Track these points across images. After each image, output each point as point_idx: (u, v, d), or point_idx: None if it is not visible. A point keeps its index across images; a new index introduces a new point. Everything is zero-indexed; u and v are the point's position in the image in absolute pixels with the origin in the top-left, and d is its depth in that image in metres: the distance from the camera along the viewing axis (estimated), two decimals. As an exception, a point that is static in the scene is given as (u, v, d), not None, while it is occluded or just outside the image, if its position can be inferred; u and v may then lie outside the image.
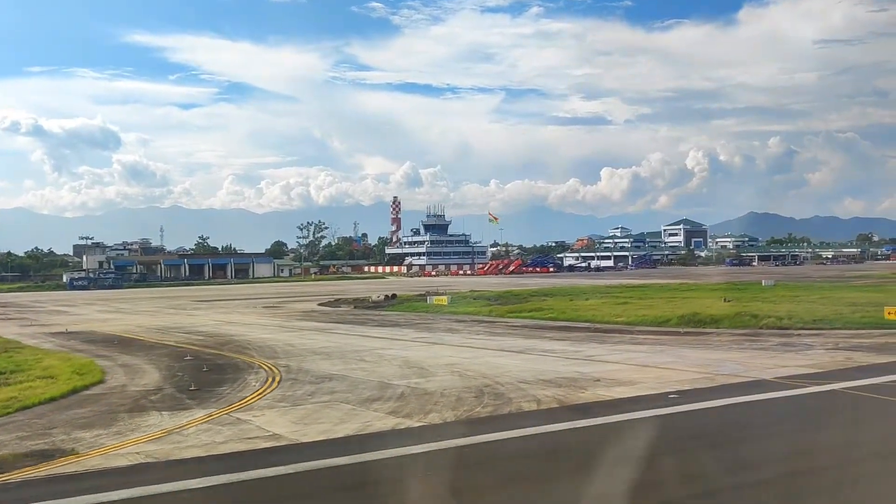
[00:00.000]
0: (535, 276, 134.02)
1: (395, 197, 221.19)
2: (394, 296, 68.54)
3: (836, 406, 17.28)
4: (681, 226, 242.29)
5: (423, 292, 70.15)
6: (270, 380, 23.18)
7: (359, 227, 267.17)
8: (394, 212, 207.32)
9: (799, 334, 33.06)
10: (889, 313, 37.54)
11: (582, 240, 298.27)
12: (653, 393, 19.28)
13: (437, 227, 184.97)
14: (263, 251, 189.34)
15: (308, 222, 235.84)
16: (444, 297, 57.52)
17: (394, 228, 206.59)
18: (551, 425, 15.46)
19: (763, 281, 76.81)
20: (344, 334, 38.22)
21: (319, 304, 64.61)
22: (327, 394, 20.42)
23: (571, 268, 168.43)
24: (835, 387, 19.34)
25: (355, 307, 60.23)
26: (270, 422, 16.79)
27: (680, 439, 13.74)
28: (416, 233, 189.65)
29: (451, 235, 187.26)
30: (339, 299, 68.98)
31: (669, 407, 17.32)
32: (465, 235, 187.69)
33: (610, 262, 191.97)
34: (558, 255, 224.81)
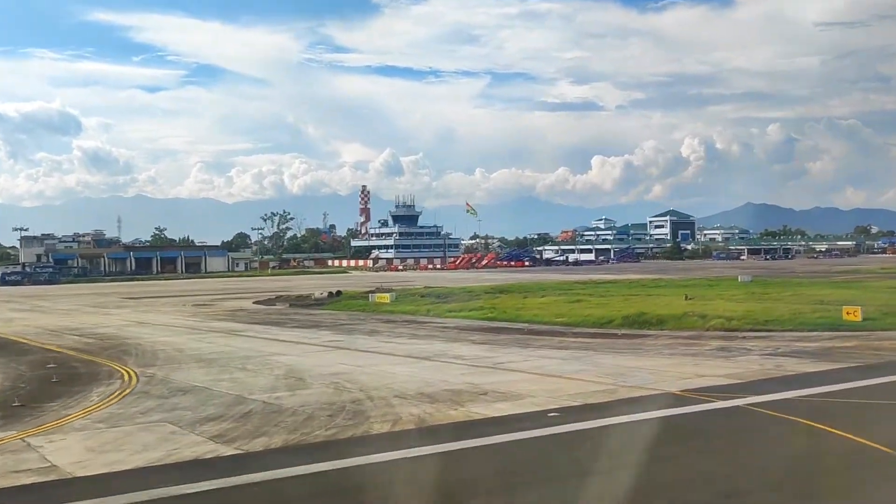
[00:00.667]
0: (507, 271, 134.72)
1: (363, 186, 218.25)
2: (338, 293, 67.32)
3: (722, 427, 15.87)
4: (667, 217, 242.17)
5: (374, 288, 68.82)
6: (119, 393, 21.55)
7: (328, 218, 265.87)
8: (363, 201, 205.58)
9: (744, 337, 31.98)
10: (848, 313, 36.54)
11: (567, 232, 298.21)
12: (534, 410, 17.90)
13: (406, 217, 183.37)
14: (220, 244, 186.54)
15: (272, 213, 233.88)
16: (387, 295, 56.79)
17: (362, 219, 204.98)
18: (381, 454, 13.92)
19: (739, 277, 76.47)
20: (251, 337, 36.86)
21: (255, 303, 63.33)
22: (165, 411, 18.81)
23: (549, 262, 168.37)
24: (741, 402, 17.97)
25: (291, 305, 59.24)
26: (62, 449, 15.11)
27: (499, 474, 12.21)
28: (384, 224, 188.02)
29: (421, 227, 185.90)
30: (281, 296, 67.94)
31: (538, 429, 15.89)
32: (437, 227, 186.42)
33: (591, 256, 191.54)
34: (538, 249, 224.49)
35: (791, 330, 33.78)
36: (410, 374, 24.14)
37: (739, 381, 21.26)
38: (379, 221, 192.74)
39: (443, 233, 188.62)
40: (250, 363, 27.57)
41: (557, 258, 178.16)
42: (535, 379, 22.55)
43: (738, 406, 17.71)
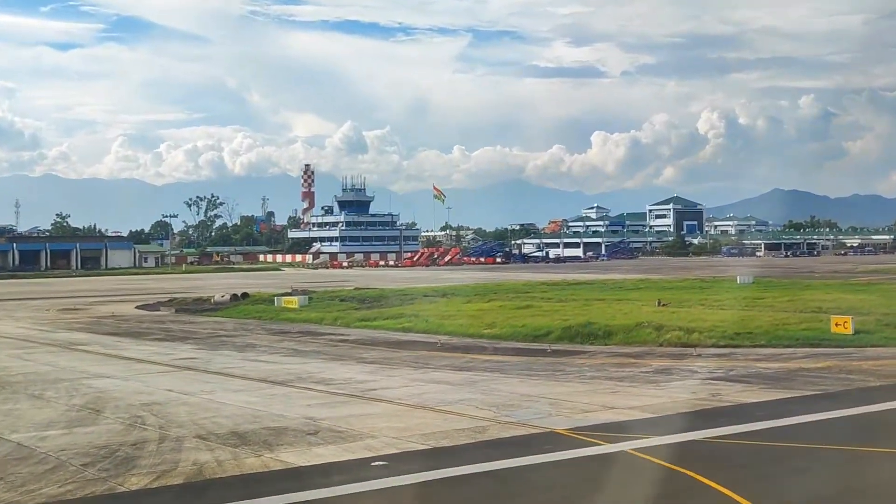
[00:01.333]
0: (472, 269, 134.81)
1: (306, 165, 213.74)
2: (244, 295, 65.92)
3: (568, 484, 14.31)
4: (670, 205, 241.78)
5: (290, 290, 67.64)
6: None
7: (268, 204, 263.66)
8: (305, 184, 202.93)
9: (699, 355, 30.84)
10: (837, 324, 35.61)
11: (555, 222, 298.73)
12: (359, 458, 16.37)
13: (355, 204, 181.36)
14: (127, 234, 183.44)
15: (197, 197, 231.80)
16: (295, 299, 56.08)
17: (305, 205, 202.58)
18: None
19: (738, 278, 76.35)
20: (89, 352, 35.37)
21: (137, 307, 61.92)
22: None
23: (526, 258, 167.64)
24: (629, 445, 16.41)
25: (178, 311, 58.07)
26: None
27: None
28: (328, 211, 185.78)
29: (373, 215, 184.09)
30: (176, 299, 66.78)
31: (338, 486, 14.26)
32: (392, 216, 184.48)
33: (578, 251, 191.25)
34: (517, 242, 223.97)
35: (761, 346, 32.90)
36: (243, 404, 22.53)
37: (650, 416, 19.82)
38: (322, 208, 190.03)
39: (400, 223, 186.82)
40: (55, 388, 25.81)
41: (536, 254, 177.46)
42: (398, 412, 21.03)
43: (621, 451, 16.15)
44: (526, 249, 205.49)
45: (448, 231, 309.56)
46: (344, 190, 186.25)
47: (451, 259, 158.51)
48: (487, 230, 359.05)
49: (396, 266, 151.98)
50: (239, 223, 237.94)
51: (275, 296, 59.39)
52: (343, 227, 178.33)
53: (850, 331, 34.89)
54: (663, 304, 50.68)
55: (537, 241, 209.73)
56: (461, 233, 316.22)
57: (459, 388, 24.63)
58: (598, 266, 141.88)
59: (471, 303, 55.09)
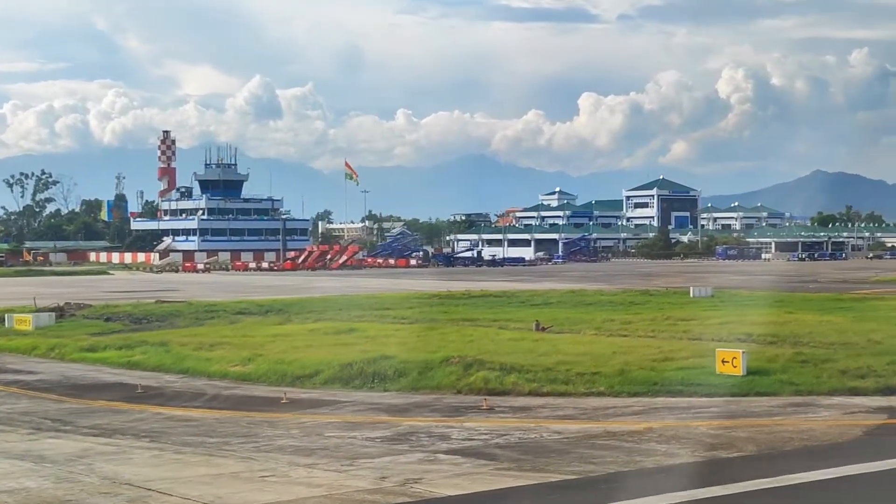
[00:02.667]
0: (367, 274, 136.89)
1: (165, 132, 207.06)
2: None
3: None
4: (653, 191, 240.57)
5: (56, 305, 64.55)
6: None
7: (125, 183, 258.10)
8: (163, 157, 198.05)
9: (491, 408, 28.58)
10: (724, 361, 33.51)
11: (513, 211, 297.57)
12: None
13: (220, 184, 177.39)
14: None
15: (21, 174, 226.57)
16: (29, 318, 53.14)
17: (163, 186, 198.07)
18: None
19: (692, 290, 76.24)
20: None
21: None
22: None
23: (451, 259, 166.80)
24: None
25: None
26: None
27: None
28: (186, 194, 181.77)
29: (246, 200, 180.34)
30: None
31: None
32: (273, 201, 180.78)
33: (528, 250, 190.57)
34: (451, 238, 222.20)
35: (596, 394, 31.35)
36: None
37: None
38: (179, 190, 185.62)
39: (284, 211, 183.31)
40: None
41: (465, 254, 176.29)
42: None
43: None
44: (463, 247, 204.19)
45: (366, 223, 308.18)
46: (206, 165, 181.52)
47: (346, 260, 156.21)
48: (423, 220, 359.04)
49: (272, 269, 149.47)
50: (78, 210, 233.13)
51: (6, 313, 56.36)
52: (203, 216, 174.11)
53: (740, 370, 32.60)
54: (542, 328, 49.41)
55: (475, 237, 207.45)
56: (384, 225, 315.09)
57: (26, 470, 21.29)
58: (540, 271, 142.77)
59: (284, 325, 54.17)
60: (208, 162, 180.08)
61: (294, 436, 25.19)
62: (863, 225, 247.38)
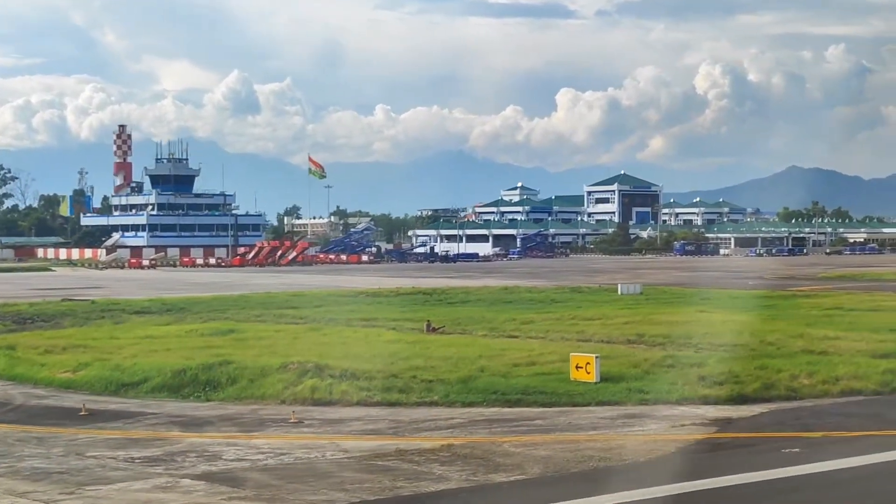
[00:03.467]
0: (315, 270, 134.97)
1: (121, 126, 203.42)
2: None
3: None
4: (615, 186, 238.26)
5: None
6: None
7: (88, 179, 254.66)
8: (119, 151, 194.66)
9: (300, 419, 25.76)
10: (577, 367, 31.46)
11: (477, 207, 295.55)
12: None
13: (171, 179, 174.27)
14: None
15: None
16: None
17: (119, 181, 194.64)
18: None
19: (621, 287, 74.67)
20: None
21: None
22: None
23: (405, 255, 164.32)
24: None
25: None
26: None
27: None
28: (136, 189, 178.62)
29: (198, 195, 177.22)
30: None
31: None
32: (226, 196, 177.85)
33: (486, 246, 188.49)
34: (412, 234, 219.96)
35: (428, 403, 29.53)
36: None
37: None
38: (131, 185, 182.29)
39: (237, 207, 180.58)
40: None
41: (418, 250, 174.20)
42: None
43: None
44: (420, 242, 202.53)
45: (331, 219, 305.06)
46: (157, 160, 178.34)
47: (297, 256, 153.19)
48: (397, 217, 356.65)
49: (220, 266, 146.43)
50: (36, 205, 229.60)
51: None
52: (153, 212, 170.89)
53: (593, 377, 30.39)
54: (434, 329, 47.17)
55: (434, 232, 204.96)
56: (350, 220, 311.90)
57: None
58: (489, 268, 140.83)
59: (169, 325, 51.96)
60: (159, 156, 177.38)
61: (49, 455, 22.83)
62: (826, 221, 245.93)
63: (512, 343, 41.20)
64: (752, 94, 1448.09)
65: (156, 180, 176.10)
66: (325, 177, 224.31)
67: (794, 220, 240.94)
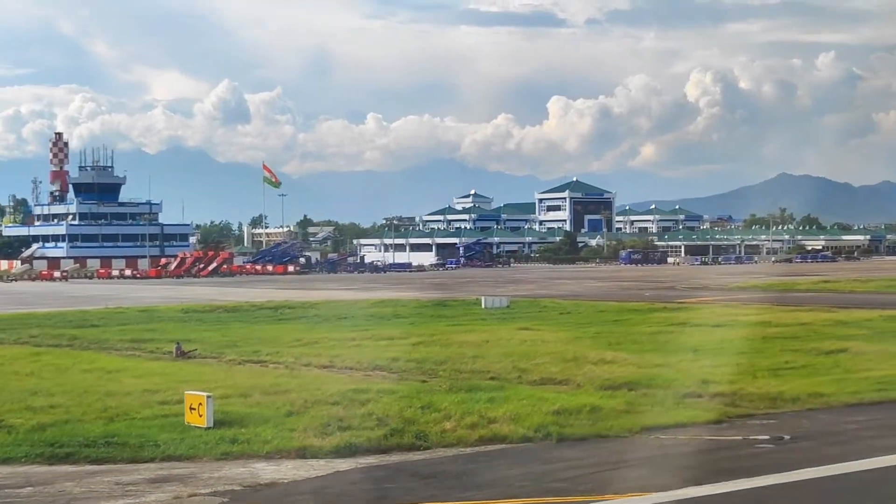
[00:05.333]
0: (216, 282, 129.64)
1: (58, 133, 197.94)
2: None
3: None
4: (566, 193, 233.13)
5: None
6: None
7: (41, 187, 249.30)
8: (55, 158, 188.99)
9: None
10: (192, 408, 26.03)
11: (429, 214, 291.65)
12: None
13: (95, 188, 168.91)
14: None
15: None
16: None
17: (54, 188, 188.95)
18: None
19: (484, 300, 71.19)
20: None
21: None
22: None
23: (335, 265, 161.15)
24: None
25: None
26: None
27: None
28: (59, 198, 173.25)
29: (123, 205, 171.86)
30: None
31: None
32: (151, 205, 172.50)
33: (430, 254, 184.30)
34: (359, 243, 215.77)
35: None
36: None
37: None
38: (52, 194, 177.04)
39: (160, 216, 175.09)
40: None
41: (348, 260, 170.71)
42: None
43: None
44: (367, 251, 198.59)
45: (290, 229, 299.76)
46: (81, 168, 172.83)
47: (217, 267, 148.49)
48: (369, 226, 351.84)
49: (136, 277, 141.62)
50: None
51: None
52: (74, 221, 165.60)
53: (205, 421, 25.28)
54: (183, 353, 42.22)
55: (377, 241, 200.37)
56: (311, 229, 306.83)
57: None
58: (404, 278, 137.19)
59: None
60: (83, 164, 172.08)
61: None
62: (790, 227, 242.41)
63: (245, 371, 36.37)
64: (742, 101, 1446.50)
65: (78, 189, 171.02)
66: (279, 185, 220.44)
67: (752, 227, 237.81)
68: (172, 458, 22.44)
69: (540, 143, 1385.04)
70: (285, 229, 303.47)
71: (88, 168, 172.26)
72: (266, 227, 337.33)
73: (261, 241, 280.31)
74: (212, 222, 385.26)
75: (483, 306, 68.83)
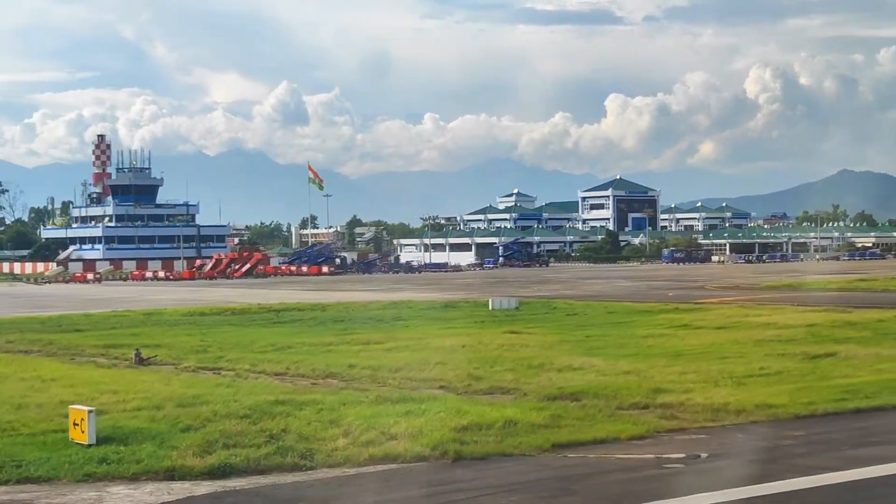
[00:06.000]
0: (247, 283, 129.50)
1: (100, 136, 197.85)
2: None
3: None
4: (609, 191, 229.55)
5: None
6: None
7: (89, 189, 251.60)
8: (97, 162, 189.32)
9: None
10: (76, 423, 24.24)
11: (470, 213, 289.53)
12: None
13: (132, 190, 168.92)
14: None
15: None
16: None
17: (98, 190, 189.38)
18: None
19: (491, 302, 68.88)
20: None
21: None
22: None
23: (369, 266, 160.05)
24: None
25: None
26: None
27: None
28: (95, 200, 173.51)
29: (160, 206, 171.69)
30: None
31: None
32: (189, 206, 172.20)
33: (470, 254, 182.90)
34: (399, 243, 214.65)
35: None
36: None
37: None
38: (90, 196, 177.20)
39: (198, 217, 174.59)
40: None
41: (371, 259, 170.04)
42: None
43: None
44: (406, 251, 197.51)
45: (337, 229, 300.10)
46: (119, 170, 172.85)
47: (251, 268, 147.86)
48: (414, 227, 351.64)
49: (168, 279, 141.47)
50: (26, 219, 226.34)
51: None
52: (111, 223, 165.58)
53: (86, 437, 23.46)
54: (141, 360, 40.67)
55: (417, 241, 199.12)
56: (357, 230, 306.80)
57: None
58: (436, 278, 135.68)
59: None
60: (120, 166, 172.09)
61: None
62: (841, 225, 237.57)
63: (175, 379, 34.21)
64: (803, 97, 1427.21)
65: (116, 191, 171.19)
66: (323, 187, 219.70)
67: (804, 224, 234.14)
68: (29, 480, 20.61)
69: (597, 141, 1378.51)
70: (331, 230, 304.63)
71: (126, 170, 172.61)
72: (316, 228, 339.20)
73: (307, 242, 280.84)
74: (262, 223, 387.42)
75: (490, 308, 66.88)
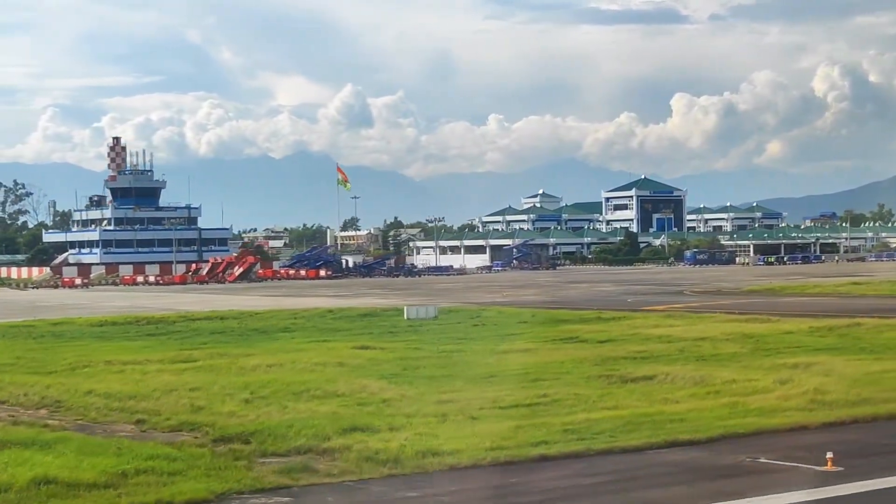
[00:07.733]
0: (229, 289, 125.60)
1: (115, 138, 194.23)
2: None
3: None
4: (633, 192, 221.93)
5: None
6: None
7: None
8: (112, 164, 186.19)
9: None
10: None
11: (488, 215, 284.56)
12: None
13: (133, 192, 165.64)
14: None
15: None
16: None
17: (110, 196, 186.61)
18: None
19: (406, 310, 65.79)
20: None
21: None
22: None
23: (370, 269, 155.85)
24: None
25: None
26: None
27: None
28: (96, 204, 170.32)
29: (160, 209, 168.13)
30: None
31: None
32: (191, 209, 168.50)
33: (485, 256, 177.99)
34: (414, 246, 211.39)
35: None
36: None
37: None
38: (91, 199, 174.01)
39: (201, 220, 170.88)
40: None
41: (372, 263, 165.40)
42: None
43: None
44: (423, 254, 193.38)
45: (371, 231, 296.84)
46: (121, 173, 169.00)
47: (243, 271, 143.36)
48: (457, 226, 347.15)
49: (158, 283, 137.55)
50: (50, 222, 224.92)
51: None
52: (109, 226, 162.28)
53: None
54: None
55: (433, 243, 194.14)
56: (392, 232, 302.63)
57: None
58: (427, 283, 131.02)
59: None
60: (121, 169, 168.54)
61: None
62: (875, 225, 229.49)
63: None
64: (872, 95, 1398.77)
65: (116, 193, 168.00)
66: (350, 188, 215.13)
67: (840, 224, 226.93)
68: None
69: (663, 140, 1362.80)
70: (364, 232, 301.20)
71: (126, 172, 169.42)
72: (357, 230, 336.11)
73: (346, 244, 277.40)
74: (304, 225, 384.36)
75: (405, 317, 63.09)
